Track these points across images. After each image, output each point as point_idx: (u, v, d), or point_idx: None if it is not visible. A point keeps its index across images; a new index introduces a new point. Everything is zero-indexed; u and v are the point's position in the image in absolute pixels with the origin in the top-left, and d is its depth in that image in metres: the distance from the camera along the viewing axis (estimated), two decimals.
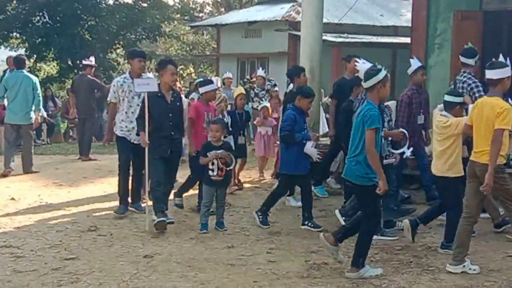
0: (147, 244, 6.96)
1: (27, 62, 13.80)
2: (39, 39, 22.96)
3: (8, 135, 11.48)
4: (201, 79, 10.07)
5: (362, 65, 6.72)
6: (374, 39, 19.94)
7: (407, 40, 14.65)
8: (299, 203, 8.31)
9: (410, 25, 14.18)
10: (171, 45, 33.42)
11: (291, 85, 9.68)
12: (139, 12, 23.98)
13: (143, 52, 8.85)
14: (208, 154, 7.59)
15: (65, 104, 18.30)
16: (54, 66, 26.03)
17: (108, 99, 8.55)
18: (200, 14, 34.35)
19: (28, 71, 12.07)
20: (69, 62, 23.42)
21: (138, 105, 7.99)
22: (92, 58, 13.83)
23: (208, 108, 8.62)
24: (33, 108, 11.25)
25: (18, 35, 24.19)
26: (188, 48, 33.20)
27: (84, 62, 13.84)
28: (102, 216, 8.32)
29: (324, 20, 11.96)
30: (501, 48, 12.05)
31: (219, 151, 7.58)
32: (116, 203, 9.15)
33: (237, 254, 6.58)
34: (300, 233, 7.45)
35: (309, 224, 7.74)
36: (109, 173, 11.55)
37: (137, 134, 7.92)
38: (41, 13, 23.10)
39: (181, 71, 31.69)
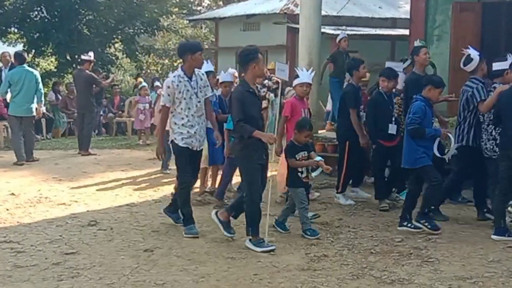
0: (148, 238, 6.96)
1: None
2: (37, 34, 22.88)
3: (13, 126, 12.31)
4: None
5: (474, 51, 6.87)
6: (372, 31, 19.90)
7: (406, 32, 14.67)
8: (349, 202, 8.49)
9: (408, 17, 14.18)
10: (170, 39, 33.31)
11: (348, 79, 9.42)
12: (137, 6, 23.90)
13: (200, 43, 7.67)
14: (296, 156, 7.13)
15: (63, 98, 18.27)
16: (52, 61, 25.94)
17: (162, 103, 7.18)
18: (198, 8, 34.24)
19: (27, 65, 12.52)
20: (68, 57, 23.36)
21: (197, 105, 7.11)
22: (91, 53, 13.82)
23: (303, 104, 8.17)
24: (35, 100, 12.03)
25: (16, 30, 24.11)
26: None
27: (82, 57, 13.85)
28: (102, 210, 8.32)
29: (323, 13, 11.92)
30: (499, 40, 12.07)
31: (304, 152, 7.15)
32: (116, 196, 9.19)
33: (238, 248, 6.59)
34: (301, 226, 7.44)
35: (409, 225, 7.29)
36: (108, 167, 11.58)
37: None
38: (39, 8, 23.00)
39: (179, 65, 31.58)
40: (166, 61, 31.02)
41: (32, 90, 11.96)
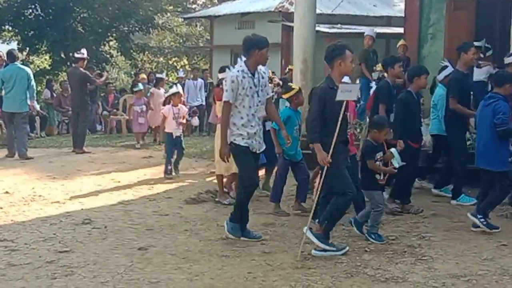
0: (142, 236, 6.95)
1: (19, 55, 14.18)
2: (32, 32, 22.85)
3: (7, 121, 12.80)
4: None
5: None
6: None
7: (401, 30, 14.67)
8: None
9: (403, 15, 14.21)
10: (164, 37, 33.29)
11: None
12: (132, 4, 23.88)
13: (267, 39, 7.01)
14: (375, 156, 6.79)
15: (58, 96, 18.24)
16: (46, 59, 25.90)
17: (226, 98, 6.63)
18: (193, 6, 34.21)
19: (21, 63, 12.89)
20: (62, 55, 23.32)
21: (257, 104, 6.69)
22: (84, 51, 13.77)
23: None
24: (28, 96, 12.39)
25: (10, 28, 24.08)
26: (181, 40, 33.07)
27: (76, 55, 13.82)
28: (96, 208, 8.30)
29: (317, 11, 11.95)
30: (493, 38, 12.09)
31: (381, 153, 6.85)
32: (110, 194, 9.18)
33: (232, 246, 6.58)
34: (294, 224, 7.45)
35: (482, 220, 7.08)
36: (102, 165, 11.56)
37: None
38: (33, 6, 22.97)
39: (174, 63, 31.60)
40: (161, 59, 31.00)
41: (23, 87, 12.32)
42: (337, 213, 6.34)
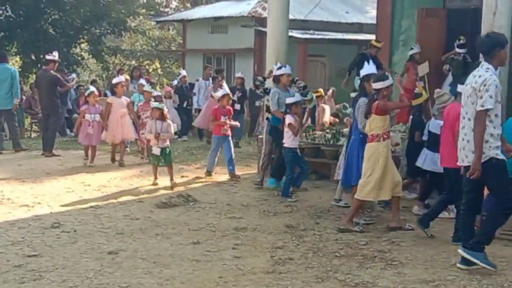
0: (112, 240, 6.90)
1: None
2: (2, 33, 22.58)
3: None
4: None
5: None
6: (339, 36, 20.08)
7: (372, 37, 14.78)
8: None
9: (375, 22, 14.32)
10: (137, 40, 33.15)
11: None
12: (104, 7, 23.70)
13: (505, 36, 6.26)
14: None
15: (28, 99, 18.03)
16: (16, 61, 25.61)
17: (490, 105, 5.73)
18: (166, 9, 34.14)
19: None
20: (33, 57, 23.07)
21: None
22: (56, 53, 13.64)
23: None
24: (13, 94, 13.32)
25: None
26: (153, 44, 32.97)
27: (47, 57, 13.70)
28: (66, 212, 8.23)
29: (290, 17, 11.97)
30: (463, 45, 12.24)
31: None
32: (80, 198, 9.09)
33: (203, 250, 6.57)
34: (266, 229, 7.46)
35: None
36: (72, 169, 11.45)
37: None
38: (3, 7, 22.69)
39: (146, 67, 31.47)
40: (133, 62, 30.83)
41: (10, 86, 13.23)
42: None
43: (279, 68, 9.94)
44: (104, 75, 29.20)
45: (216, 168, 10.99)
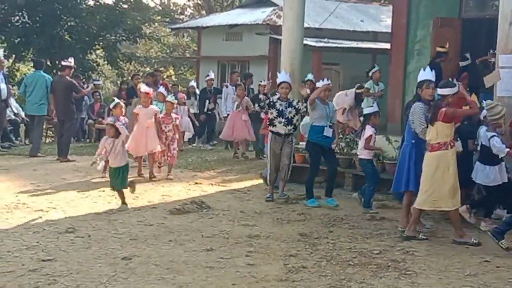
0: (126, 246, 6.92)
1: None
2: (18, 39, 22.76)
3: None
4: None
5: None
6: (354, 44, 20.06)
7: (387, 45, 14.77)
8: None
9: (390, 31, 14.30)
10: (151, 47, 33.31)
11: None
12: (120, 14, 23.85)
13: None
14: None
15: None
16: (32, 66, 25.81)
17: None
18: (181, 16, 34.30)
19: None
20: (48, 63, 23.23)
21: None
22: (71, 59, 13.77)
23: None
24: (47, 101, 13.78)
25: None
26: (168, 50, 33.11)
27: (63, 63, 13.83)
28: (80, 217, 8.26)
29: (305, 25, 12.01)
30: (479, 55, 12.21)
31: None
32: (94, 203, 9.13)
33: (216, 257, 6.57)
34: (279, 237, 7.45)
35: None
36: (87, 174, 11.50)
37: None
38: (20, 13, 22.89)
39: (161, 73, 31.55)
40: (148, 69, 30.96)
41: (43, 92, 13.81)
42: None
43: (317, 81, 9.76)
44: (118, 81, 29.34)
45: (229, 175, 11.01)
